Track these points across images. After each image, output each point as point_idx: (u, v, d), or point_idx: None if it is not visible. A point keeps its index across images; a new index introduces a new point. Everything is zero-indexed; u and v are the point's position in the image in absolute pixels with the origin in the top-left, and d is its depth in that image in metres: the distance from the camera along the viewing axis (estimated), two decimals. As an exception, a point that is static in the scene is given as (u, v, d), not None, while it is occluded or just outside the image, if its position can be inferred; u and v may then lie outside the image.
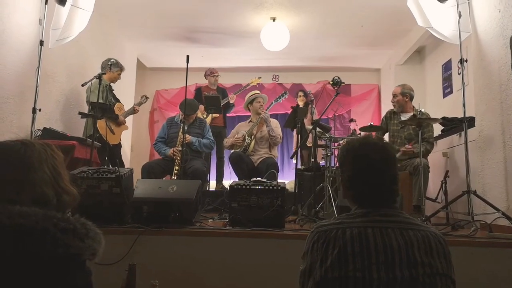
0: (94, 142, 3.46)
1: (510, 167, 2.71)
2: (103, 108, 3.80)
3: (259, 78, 5.50)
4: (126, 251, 2.24)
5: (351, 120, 5.62)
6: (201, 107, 4.71)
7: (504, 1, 2.82)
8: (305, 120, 5.10)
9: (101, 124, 3.95)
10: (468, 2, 3.31)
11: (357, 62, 6.71)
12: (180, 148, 3.79)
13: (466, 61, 3.06)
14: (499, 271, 2.19)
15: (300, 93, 5.54)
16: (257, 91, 4.68)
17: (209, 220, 3.08)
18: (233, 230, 2.45)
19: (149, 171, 3.88)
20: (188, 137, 3.93)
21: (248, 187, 2.63)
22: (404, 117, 3.77)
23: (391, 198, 1.15)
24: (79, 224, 0.96)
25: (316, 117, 5.22)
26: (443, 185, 3.63)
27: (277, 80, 7.21)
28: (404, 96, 3.80)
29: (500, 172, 2.83)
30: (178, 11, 4.95)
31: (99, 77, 3.56)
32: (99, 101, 3.65)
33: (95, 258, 0.98)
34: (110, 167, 3.31)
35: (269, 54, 5.94)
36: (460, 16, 3.03)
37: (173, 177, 3.86)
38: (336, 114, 6.06)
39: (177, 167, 3.84)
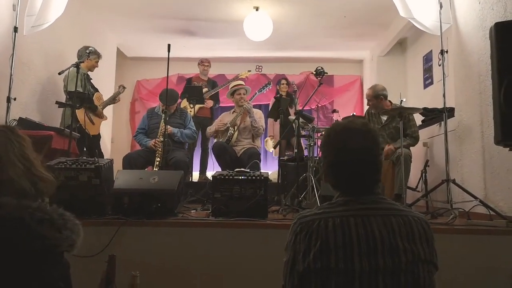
0: (73, 132, 3.37)
1: (488, 156, 2.77)
2: (82, 97, 3.70)
3: (249, 71, 5.45)
4: (106, 243, 2.20)
5: (334, 111, 5.65)
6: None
7: (484, -8, 2.85)
8: (290, 111, 5.11)
9: (79, 114, 3.85)
10: (450, -6, 3.35)
11: (340, 53, 6.73)
12: (161, 139, 3.73)
13: (447, 52, 3.10)
14: (477, 258, 2.24)
15: (283, 81, 5.52)
16: (241, 82, 4.64)
17: (192, 211, 3.05)
18: (215, 220, 2.43)
19: (130, 162, 3.82)
20: (170, 127, 3.87)
21: (231, 177, 2.62)
22: (384, 117, 3.82)
23: (373, 185, 1.14)
24: (56, 214, 0.92)
25: (299, 107, 5.22)
26: (423, 174, 3.69)
27: (260, 70, 7.18)
28: (378, 98, 3.81)
29: (478, 161, 2.89)
30: (160, 1, 4.83)
31: (76, 65, 3.46)
32: (77, 90, 3.55)
33: (74, 250, 0.94)
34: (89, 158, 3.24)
35: (253, 45, 5.88)
36: (441, 7, 3.06)
37: (154, 168, 3.81)
38: (319, 105, 6.08)
39: (158, 158, 3.78)
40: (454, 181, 2.80)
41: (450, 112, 3.38)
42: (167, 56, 3.60)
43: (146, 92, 6.91)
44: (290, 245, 1.13)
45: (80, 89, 3.75)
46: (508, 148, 2.11)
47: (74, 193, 2.38)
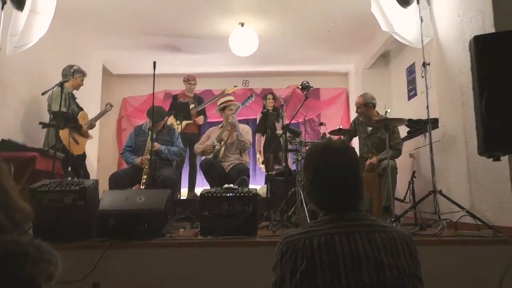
0: (57, 152, 3.31)
1: (472, 166, 2.80)
2: (66, 117, 3.65)
3: (235, 86, 5.47)
4: (92, 267, 2.14)
5: (321, 124, 5.68)
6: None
7: (462, 6, 2.93)
8: (277, 125, 5.12)
9: (64, 134, 3.79)
10: (430, 7, 3.43)
11: (325, 66, 6.82)
12: (148, 157, 3.70)
13: (429, 64, 3.16)
14: (465, 269, 2.25)
15: (269, 96, 5.54)
16: (232, 98, 4.66)
17: (180, 230, 3.01)
18: (203, 240, 2.40)
19: (117, 181, 3.77)
20: (157, 145, 3.84)
21: (219, 194, 2.59)
22: (371, 128, 3.86)
23: (356, 201, 1.16)
24: (32, 247, 0.89)
25: (286, 121, 5.24)
26: (411, 185, 3.72)
27: (247, 85, 7.21)
28: (367, 106, 3.86)
29: (463, 171, 2.92)
30: (145, 17, 4.85)
31: (61, 85, 3.42)
32: (61, 109, 3.50)
33: (51, 281, 0.91)
34: (75, 178, 3.19)
35: (239, 59, 5.93)
36: (422, 21, 3.13)
37: (141, 186, 3.76)
38: (306, 118, 6.11)
39: (145, 176, 3.74)
40: (440, 192, 2.82)
41: (435, 123, 3.43)
42: (153, 73, 3.60)
43: (132, 109, 6.87)
44: (277, 266, 1.14)
45: (64, 109, 3.70)
46: (492, 159, 2.14)
47: (59, 215, 2.33)
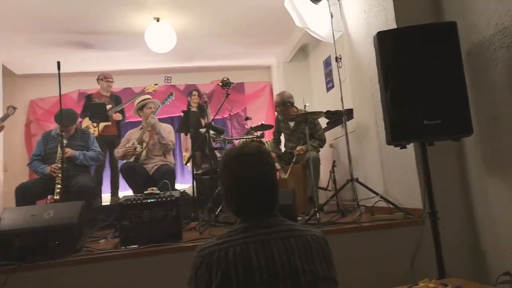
0: None
1: (384, 154, 2.99)
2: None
3: (156, 84, 5.24)
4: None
5: (247, 118, 5.71)
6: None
7: (368, 2, 3.08)
8: (203, 122, 5.03)
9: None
10: (339, 3, 3.57)
11: (248, 60, 6.84)
12: (59, 165, 3.39)
13: (341, 58, 3.29)
14: (381, 250, 2.40)
15: (195, 93, 5.44)
16: (148, 96, 4.45)
17: (101, 242, 2.83)
18: (123, 251, 2.26)
19: (24, 193, 3.42)
20: (69, 151, 3.54)
21: (139, 202, 2.47)
22: (292, 123, 3.97)
23: (272, 206, 1.15)
24: None
25: (211, 118, 5.17)
26: (332, 174, 3.90)
27: (169, 81, 6.98)
28: (285, 105, 3.95)
29: (376, 159, 3.11)
30: (49, 12, 4.42)
31: None
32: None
33: None
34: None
35: (159, 56, 5.69)
36: (332, 16, 3.24)
37: (55, 197, 3.45)
38: (232, 113, 6.10)
39: (59, 186, 3.43)
40: (357, 180, 2.98)
41: (350, 114, 3.60)
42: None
43: (42, 112, 6.27)
44: (191, 280, 1.10)
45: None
46: (399, 147, 2.29)
47: None
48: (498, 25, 2.20)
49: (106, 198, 4.98)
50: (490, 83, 2.28)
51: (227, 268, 1.02)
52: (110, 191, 5.03)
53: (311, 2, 3.22)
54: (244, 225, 1.12)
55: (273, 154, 4.06)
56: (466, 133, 2.10)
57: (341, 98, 3.21)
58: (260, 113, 6.86)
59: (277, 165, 3.83)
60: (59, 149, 3.51)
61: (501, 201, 2.25)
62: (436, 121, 2.05)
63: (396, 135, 2.14)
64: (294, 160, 3.83)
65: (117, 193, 4.93)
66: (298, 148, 3.83)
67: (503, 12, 2.15)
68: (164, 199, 2.48)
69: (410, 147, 2.51)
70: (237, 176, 1.14)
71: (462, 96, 2.09)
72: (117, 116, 4.89)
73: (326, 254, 1.11)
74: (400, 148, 2.29)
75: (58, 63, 3.13)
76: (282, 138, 4.34)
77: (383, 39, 2.22)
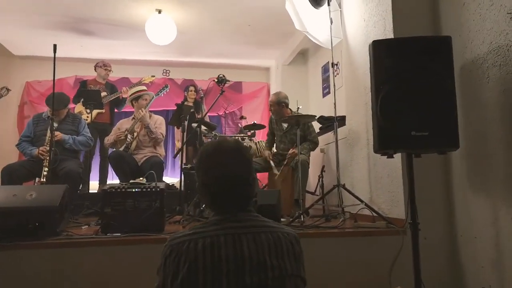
0: None
1: (372, 162, 3.01)
2: None
3: (153, 76, 5.23)
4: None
5: (242, 117, 5.73)
6: None
7: (368, 11, 3.10)
8: (198, 117, 5.03)
9: None
10: (340, 10, 3.60)
11: (248, 60, 6.85)
12: (48, 148, 3.37)
13: (337, 64, 3.31)
14: (361, 256, 2.42)
15: (191, 88, 5.44)
16: (144, 87, 4.45)
17: (83, 227, 2.82)
18: (102, 238, 2.25)
19: (11, 174, 3.40)
20: (59, 134, 3.53)
21: (123, 190, 2.46)
22: (285, 124, 3.98)
23: (246, 202, 1.15)
24: None
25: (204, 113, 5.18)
26: (320, 179, 3.91)
27: (167, 75, 6.98)
28: (280, 105, 3.97)
29: (365, 167, 3.13)
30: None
31: None
32: None
33: None
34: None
35: (159, 48, 5.69)
36: (331, 22, 3.26)
37: (42, 179, 3.43)
38: (227, 111, 6.11)
39: (46, 169, 3.41)
40: (343, 186, 2.99)
41: (343, 120, 3.62)
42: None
43: (37, 95, 6.23)
44: (160, 270, 1.09)
45: None
46: (386, 156, 2.30)
47: None
48: (492, 44, 2.23)
49: (94, 185, 4.97)
50: (481, 100, 2.31)
51: (195, 259, 1.02)
52: (98, 179, 5.02)
53: (312, 7, 3.24)
54: (217, 218, 1.12)
55: (267, 153, 4.08)
56: (452, 147, 2.11)
57: (334, 104, 3.22)
58: (256, 114, 6.87)
59: (272, 163, 3.85)
60: (48, 132, 3.50)
61: (482, 218, 2.28)
62: (424, 133, 2.06)
63: (383, 143, 2.15)
64: (285, 162, 3.84)
65: (106, 181, 4.92)
66: (291, 151, 3.85)
67: (497, 31, 2.18)
68: (149, 189, 2.48)
69: (398, 157, 2.53)
70: (212, 171, 1.14)
71: (451, 110, 2.10)
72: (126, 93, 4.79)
73: (296, 252, 1.11)
74: (387, 157, 2.30)
75: (55, 45, 3.12)
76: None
77: (378, 48, 2.23)
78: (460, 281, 2.45)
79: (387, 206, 2.78)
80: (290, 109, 4.02)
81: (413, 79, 2.13)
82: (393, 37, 2.69)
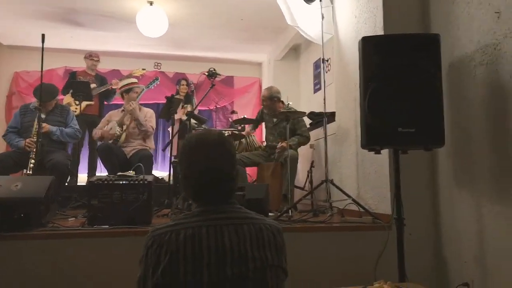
0: None
1: (360, 158, 3.03)
2: None
3: (143, 69, 5.19)
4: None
5: (233, 112, 5.72)
6: None
7: (359, 7, 3.11)
8: (188, 111, 5.01)
9: None
10: (332, 6, 3.59)
11: (240, 55, 6.83)
12: (34, 139, 3.34)
13: (328, 60, 3.31)
14: (347, 251, 2.44)
15: (183, 82, 5.41)
16: (135, 80, 4.42)
17: (70, 219, 2.80)
18: (88, 230, 2.24)
19: (-4, 165, 3.36)
20: (46, 125, 3.49)
21: (110, 182, 2.45)
22: (276, 119, 4.00)
23: (229, 194, 1.16)
24: None
25: (198, 108, 5.16)
26: (309, 174, 3.93)
27: (159, 68, 6.93)
28: (272, 100, 3.98)
29: (353, 162, 3.15)
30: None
31: None
32: None
33: None
34: None
35: (151, 41, 5.65)
36: (323, 18, 3.26)
37: (29, 171, 3.40)
38: (218, 106, 6.10)
39: (33, 160, 3.38)
40: (332, 181, 3.01)
41: (332, 116, 3.64)
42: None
43: (26, 86, 6.15)
44: (142, 260, 1.09)
45: None
46: (373, 152, 2.32)
47: None
48: (480, 42, 2.25)
49: (82, 178, 4.94)
50: (468, 98, 2.33)
51: (176, 250, 1.02)
52: (87, 171, 4.98)
53: (304, 2, 3.23)
54: (199, 209, 1.13)
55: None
56: (438, 144, 2.14)
57: (324, 100, 3.23)
58: (247, 108, 6.87)
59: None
60: (35, 123, 3.46)
61: (466, 215, 2.31)
62: (410, 129, 2.08)
63: (371, 139, 2.17)
64: (275, 156, 3.85)
65: (95, 174, 4.88)
66: (279, 145, 3.86)
67: (485, 30, 2.20)
68: (136, 182, 2.47)
69: (385, 153, 2.55)
70: (196, 165, 1.14)
71: (438, 107, 2.13)
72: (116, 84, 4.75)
73: (278, 243, 1.12)
74: (374, 153, 2.32)
75: (43, 35, 3.08)
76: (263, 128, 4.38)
77: (367, 45, 2.24)
78: (444, 276, 2.49)
79: (374, 202, 2.80)
80: (283, 102, 4.04)
81: (401, 76, 2.15)
82: (383, 33, 2.70)
